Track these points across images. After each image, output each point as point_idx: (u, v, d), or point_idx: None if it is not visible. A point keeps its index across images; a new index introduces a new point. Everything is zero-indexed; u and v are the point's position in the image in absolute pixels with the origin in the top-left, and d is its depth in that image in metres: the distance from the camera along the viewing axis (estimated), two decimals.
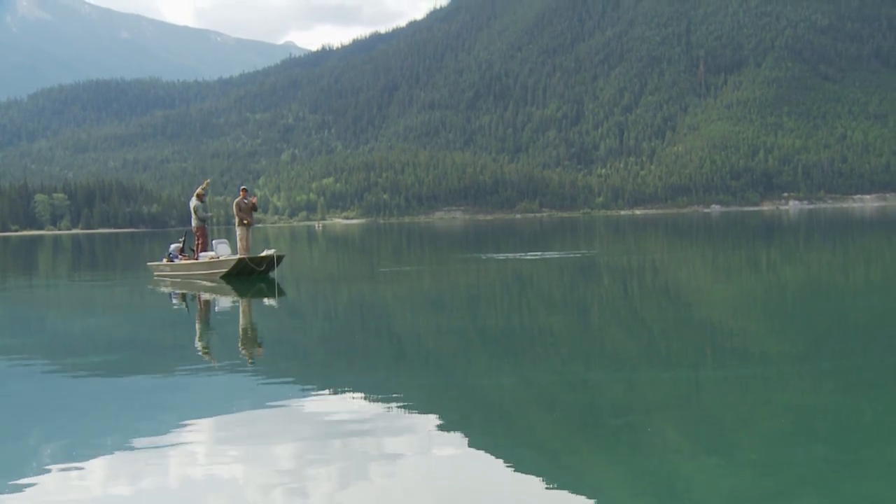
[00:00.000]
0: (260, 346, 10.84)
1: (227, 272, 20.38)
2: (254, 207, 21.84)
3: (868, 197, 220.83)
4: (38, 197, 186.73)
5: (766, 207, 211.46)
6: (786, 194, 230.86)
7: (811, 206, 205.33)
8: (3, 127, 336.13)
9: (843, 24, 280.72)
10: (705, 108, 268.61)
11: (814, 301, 13.88)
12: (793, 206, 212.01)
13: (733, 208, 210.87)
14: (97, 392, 8.07)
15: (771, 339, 10.02)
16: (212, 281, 20.24)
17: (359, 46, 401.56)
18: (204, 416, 6.81)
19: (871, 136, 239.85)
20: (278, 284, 18.80)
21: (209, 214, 22.47)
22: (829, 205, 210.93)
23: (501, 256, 28.88)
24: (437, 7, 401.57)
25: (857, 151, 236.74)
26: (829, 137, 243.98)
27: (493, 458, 5.52)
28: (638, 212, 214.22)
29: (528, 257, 27.54)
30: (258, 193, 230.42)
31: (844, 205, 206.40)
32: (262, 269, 20.56)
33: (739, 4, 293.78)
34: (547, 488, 4.95)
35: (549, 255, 28.22)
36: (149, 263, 24.44)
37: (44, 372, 9.31)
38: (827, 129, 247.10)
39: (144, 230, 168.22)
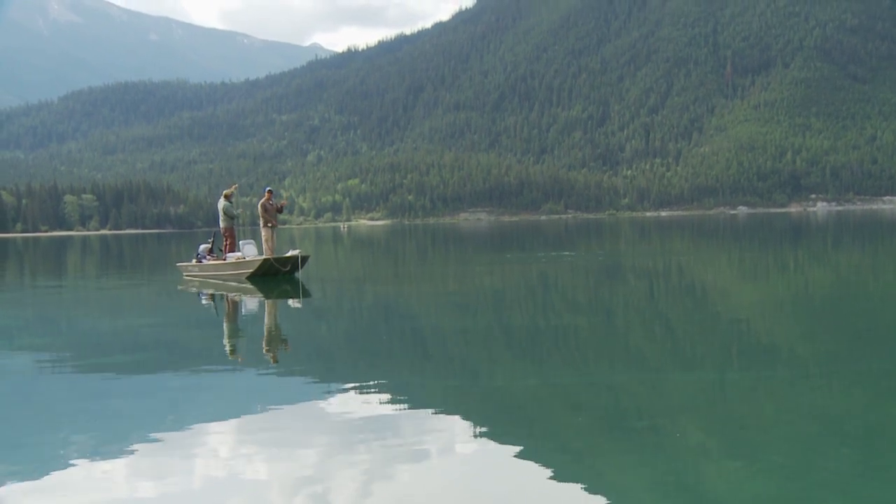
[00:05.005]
0: (285, 345, 10.89)
1: (253, 273, 20.51)
2: (279, 209, 22.02)
3: None
4: (68, 198, 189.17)
5: (794, 209, 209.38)
6: (814, 196, 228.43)
7: (839, 208, 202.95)
8: (34, 129, 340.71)
9: (873, 24, 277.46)
10: (732, 109, 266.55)
11: (842, 304, 13.70)
12: (821, 208, 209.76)
13: (760, 210, 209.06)
14: (125, 391, 8.15)
15: (798, 342, 9.93)
16: (238, 281, 20.39)
17: (384, 48, 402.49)
18: (229, 416, 6.86)
19: None
20: (303, 285, 18.87)
21: (238, 212, 22.69)
22: (857, 206, 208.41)
23: (531, 256, 28.83)
24: (463, 8, 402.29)
25: (888, 152, 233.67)
26: (858, 138, 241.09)
27: (516, 459, 5.52)
28: (663, 213, 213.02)
29: (559, 255, 27.44)
30: (284, 195, 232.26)
31: (874, 206, 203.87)
32: (288, 269, 20.66)
33: (767, 4, 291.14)
34: (570, 490, 4.94)
35: (575, 255, 28.12)
36: (178, 264, 24.69)
37: (72, 371, 9.42)
38: (856, 130, 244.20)
39: (171, 231, 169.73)
